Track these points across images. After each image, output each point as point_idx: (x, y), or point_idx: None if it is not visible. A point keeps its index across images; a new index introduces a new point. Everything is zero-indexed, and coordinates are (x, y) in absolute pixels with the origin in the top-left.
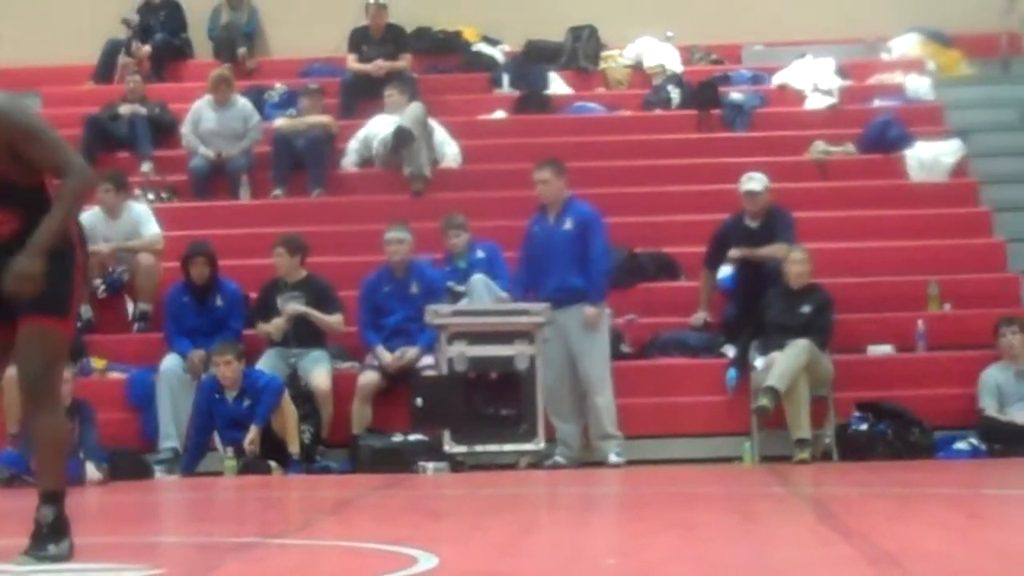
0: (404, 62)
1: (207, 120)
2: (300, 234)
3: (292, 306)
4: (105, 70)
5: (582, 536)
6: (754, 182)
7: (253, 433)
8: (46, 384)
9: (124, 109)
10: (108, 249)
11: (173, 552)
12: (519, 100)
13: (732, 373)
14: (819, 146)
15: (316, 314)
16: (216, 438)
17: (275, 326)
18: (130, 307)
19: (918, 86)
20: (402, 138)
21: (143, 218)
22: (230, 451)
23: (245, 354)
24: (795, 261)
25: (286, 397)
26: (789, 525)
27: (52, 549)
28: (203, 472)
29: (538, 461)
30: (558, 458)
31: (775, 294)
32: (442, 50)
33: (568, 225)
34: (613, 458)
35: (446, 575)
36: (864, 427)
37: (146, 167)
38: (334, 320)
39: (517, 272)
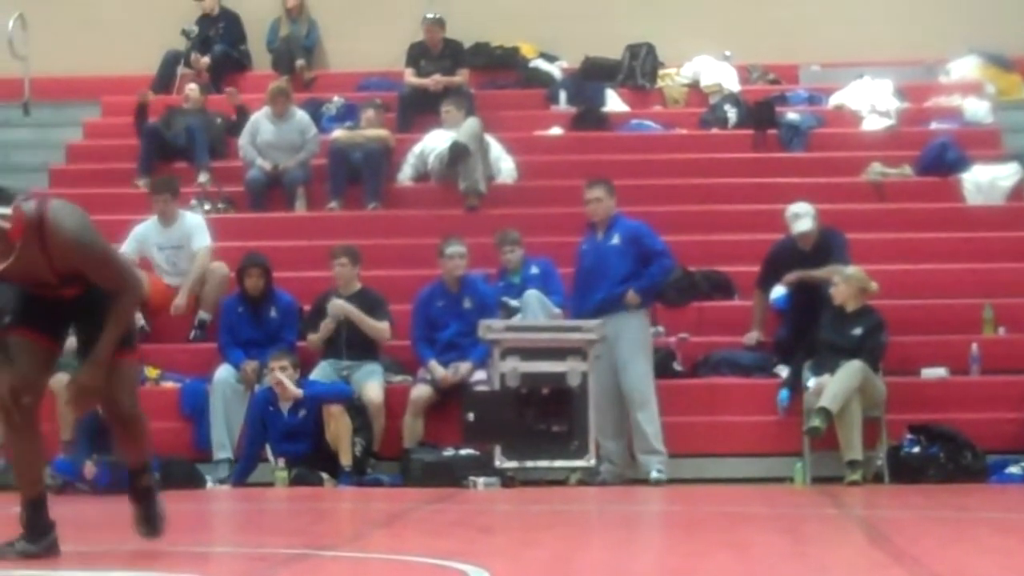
0: (461, 77)
1: (264, 132)
2: (355, 247)
3: (338, 303)
4: (164, 81)
5: (634, 554)
6: (802, 221)
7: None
8: (136, 409)
9: (178, 118)
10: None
11: (224, 562)
12: (576, 117)
13: (784, 394)
14: (876, 168)
15: (360, 315)
16: (268, 450)
17: (324, 327)
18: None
19: (976, 109)
20: (458, 153)
21: (196, 229)
22: (281, 462)
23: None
24: (839, 284)
25: (340, 409)
26: (841, 547)
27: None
28: (255, 483)
29: (589, 478)
30: (603, 475)
31: (827, 315)
32: (499, 66)
33: (616, 240)
34: (655, 474)
35: None
36: (916, 450)
37: (203, 177)
38: (381, 327)
39: (573, 294)
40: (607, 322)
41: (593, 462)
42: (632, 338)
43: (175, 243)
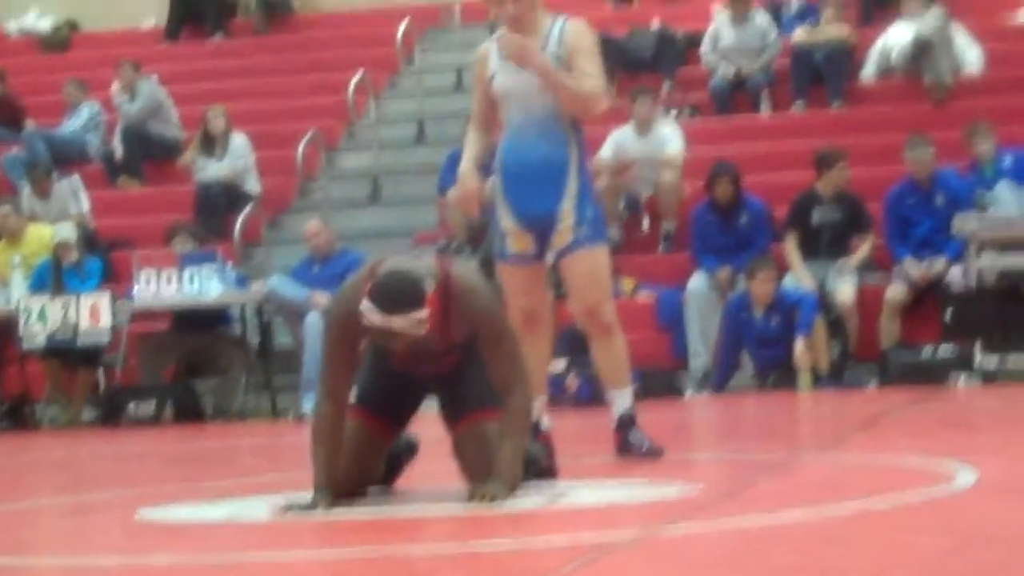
0: None
1: (726, 37)
2: (825, 147)
3: None
4: None
5: None
6: None
7: (800, 346)
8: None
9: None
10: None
11: (708, 468)
12: None
13: None
14: None
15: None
16: (744, 356)
17: None
18: (645, 223)
19: None
20: (922, 46)
21: (668, 137)
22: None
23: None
24: None
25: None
26: None
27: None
28: (732, 390)
29: None
30: None
31: None
32: None
33: None
34: None
35: (986, 490)
36: None
37: (666, 86)
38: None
39: None
40: None
41: None
42: None
43: (649, 152)
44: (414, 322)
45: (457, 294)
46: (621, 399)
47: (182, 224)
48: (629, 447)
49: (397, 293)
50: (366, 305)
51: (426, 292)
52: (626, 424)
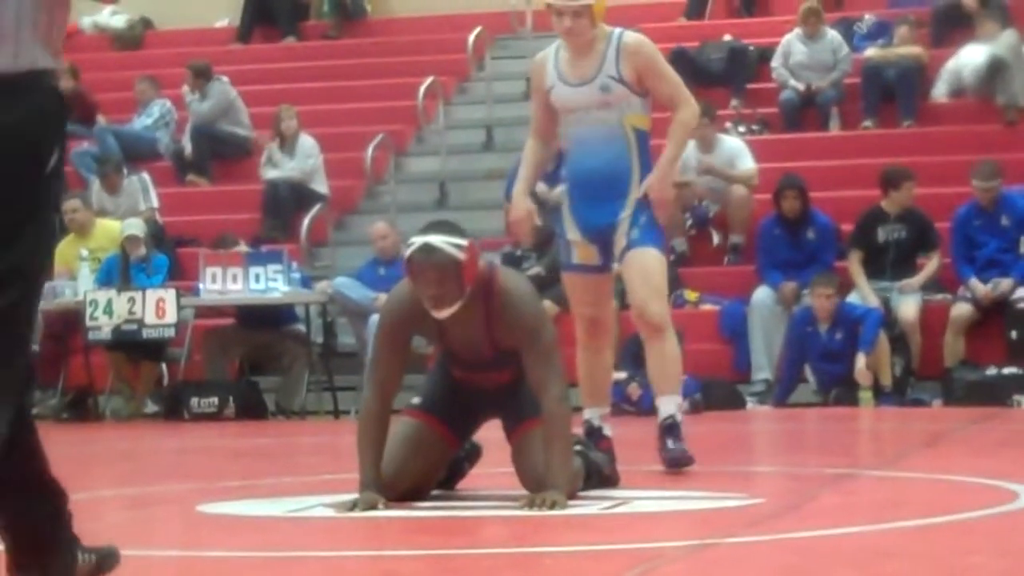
0: None
1: (797, 53)
2: (892, 165)
3: None
4: (697, 7)
5: None
6: None
7: (861, 363)
8: None
9: (711, 45)
10: (700, 181)
11: (769, 482)
12: None
13: None
14: None
15: None
16: (807, 370)
17: None
18: (715, 238)
19: None
20: (996, 67)
21: (738, 152)
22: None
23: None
24: None
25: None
26: None
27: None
28: (794, 404)
29: None
30: None
31: None
32: None
33: None
34: None
35: None
36: None
37: (735, 101)
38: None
39: None
40: None
41: None
42: None
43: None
44: (452, 246)
45: (499, 291)
46: (665, 405)
47: (230, 235)
48: (665, 452)
49: (441, 222)
50: (410, 241)
51: (467, 240)
52: (665, 430)
